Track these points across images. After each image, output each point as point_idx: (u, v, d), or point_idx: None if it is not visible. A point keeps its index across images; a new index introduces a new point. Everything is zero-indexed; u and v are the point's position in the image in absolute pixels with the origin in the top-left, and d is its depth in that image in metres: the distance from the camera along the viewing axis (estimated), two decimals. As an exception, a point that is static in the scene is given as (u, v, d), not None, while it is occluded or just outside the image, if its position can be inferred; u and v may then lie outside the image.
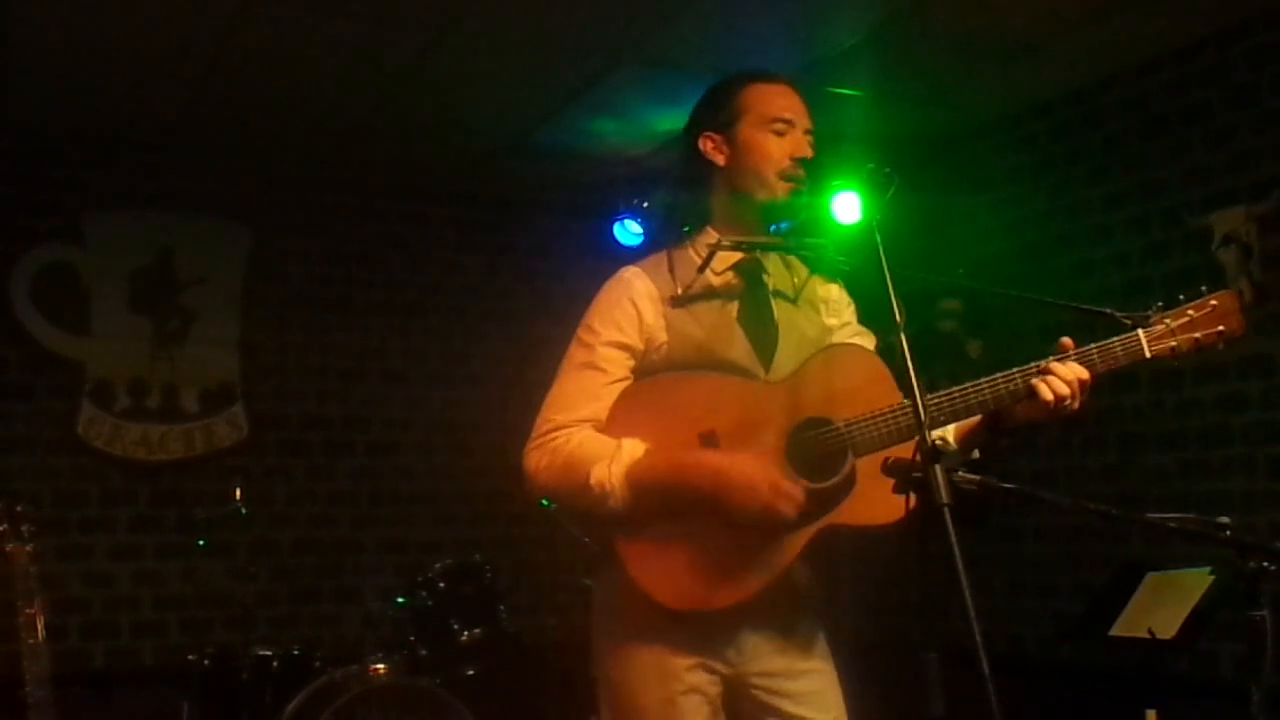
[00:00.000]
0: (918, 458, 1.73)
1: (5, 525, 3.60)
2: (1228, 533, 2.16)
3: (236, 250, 5.34)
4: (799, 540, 2.05)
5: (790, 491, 1.99)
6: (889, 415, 2.02)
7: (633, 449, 2.06)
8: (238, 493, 4.52)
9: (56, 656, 3.58)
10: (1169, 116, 4.25)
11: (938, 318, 4.82)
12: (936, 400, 2.01)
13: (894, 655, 4.73)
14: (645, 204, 5.20)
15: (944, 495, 1.67)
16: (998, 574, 4.73)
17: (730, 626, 2.11)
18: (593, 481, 2.04)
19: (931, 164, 5.08)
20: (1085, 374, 2.02)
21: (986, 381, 2.04)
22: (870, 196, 1.94)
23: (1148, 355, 2.05)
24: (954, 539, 1.62)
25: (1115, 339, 2.06)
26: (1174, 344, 2.06)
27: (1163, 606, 3.38)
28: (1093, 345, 2.05)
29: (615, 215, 5.30)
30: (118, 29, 3.88)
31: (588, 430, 2.10)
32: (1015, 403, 2.04)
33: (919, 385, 1.81)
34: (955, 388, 2.04)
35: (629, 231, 5.27)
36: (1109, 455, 4.40)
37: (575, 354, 2.19)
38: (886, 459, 1.84)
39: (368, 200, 5.63)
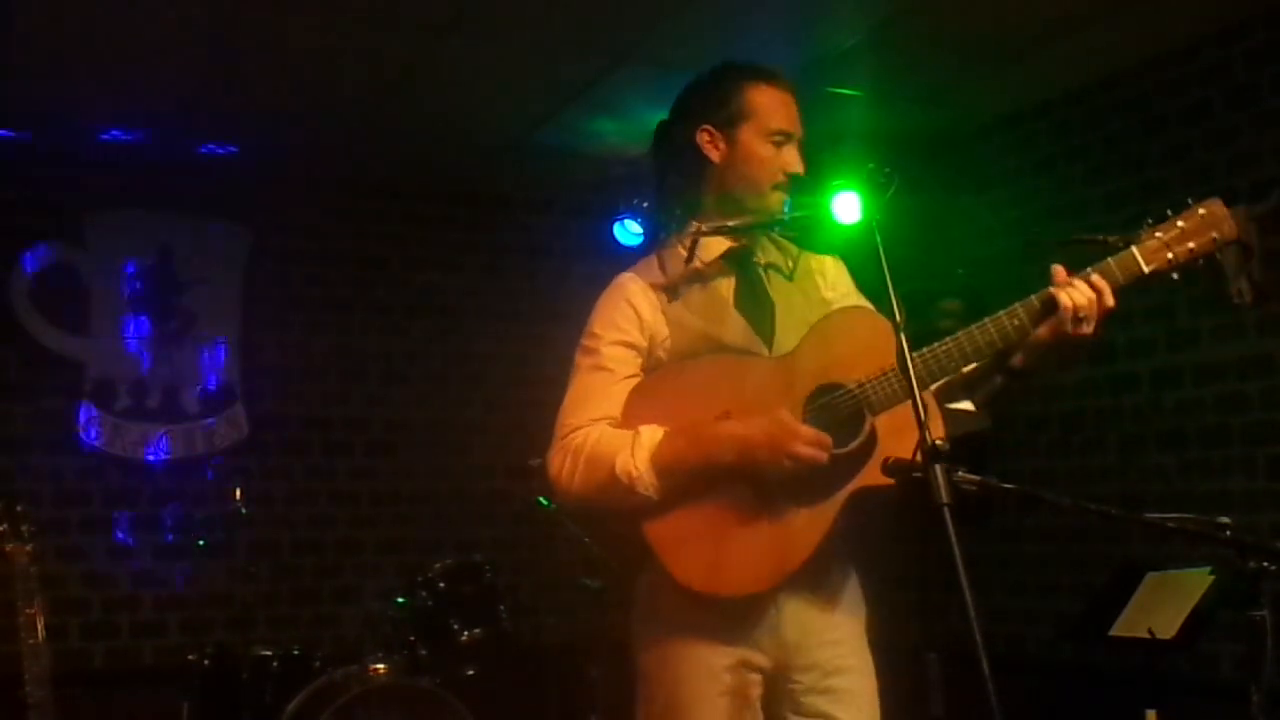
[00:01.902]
0: (918, 457, 1.73)
1: (5, 525, 3.60)
2: (1228, 533, 2.15)
3: (236, 250, 5.34)
4: (831, 509, 2.04)
5: (810, 435, 1.98)
6: (898, 370, 1.99)
7: (651, 434, 2.06)
8: (238, 493, 4.52)
9: (56, 656, 3.58)
10: (1169, 116, 4.25)
11: (938, 318, 4.81)
12: (945, 347, 2.00)
13: (894, 655, 4.73)
14: (645, 204, 5.20)
15: (944, 495, 1.67)
16: (998, 574, 4.73)
17: (772, 615, 2.10)
18: (619, 472, 2.04)
19: (931, 164, 5.08)
20: (1108, 297, 1.99)
21: (990, 319, 2.01)
22: (870, 196, 1.94)
23: (1145, 270, 2.02)
24: (954, 539, 1.62)
25: (1109, 258, 2.03)
26: (1170, 255, 2.03)
27: (1163, 606, 3.38)
28: (1089, 269, 2.03)
29: (615, 215, 5.30)
30: (118, 28, 3.87)
31: (603, 426, 2.12)
32: (1027, 333, 2.01)
33: (919, 386, 1.81)
34: (961, 331, 2.01)
35: (629, 231, 5.27)
36: (1109, 455, 4.40)
37: (581, 361, 2.21)
38: (886, 459, 1.83)
39: (367, 200, 5.63)
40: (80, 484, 4.97)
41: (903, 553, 4.72)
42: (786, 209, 2.20)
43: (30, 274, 4.96)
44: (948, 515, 1.65)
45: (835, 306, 2.28)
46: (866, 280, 2.26)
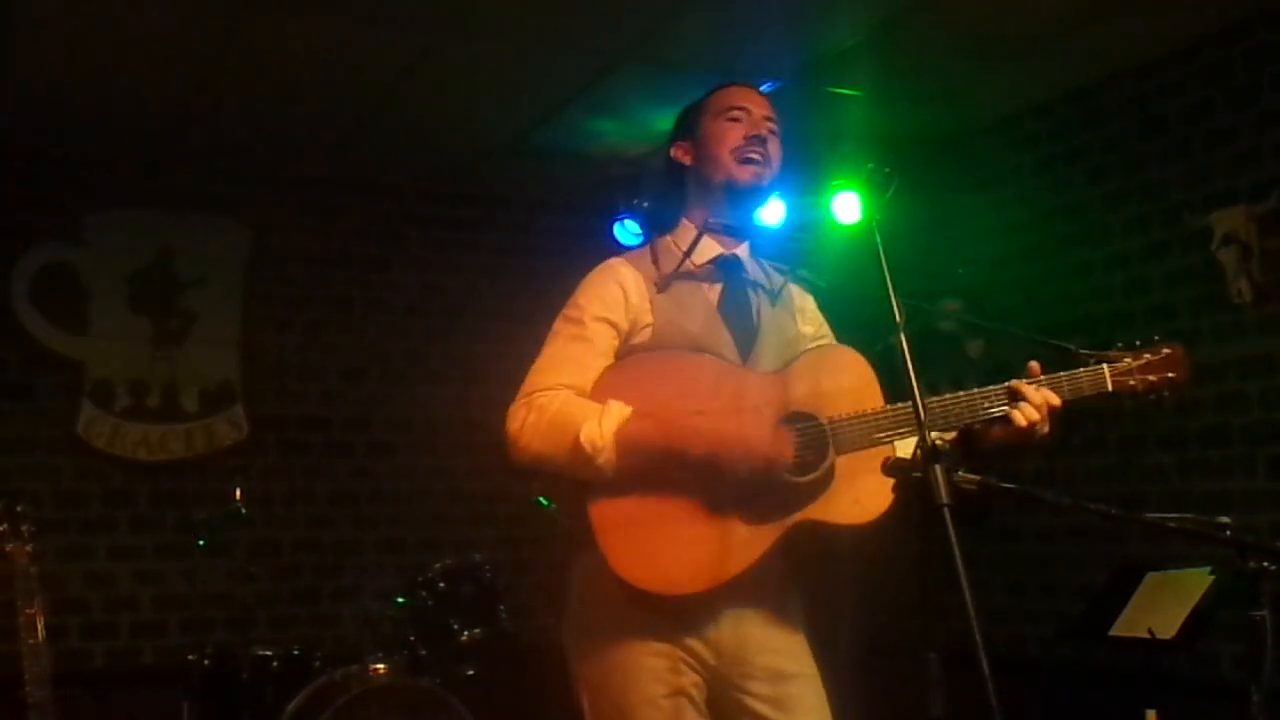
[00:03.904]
0: (918, 457, 1.73)
1: (5, 525, 3.60)
2: (1228, 533, 2.16)
3: (236, 250, 5.34)
4: (774, 532, 2.06)
5: (783, 437, 2.03)
6: (873, 417, 2.07)
7: (620, 409, 2.05)
8: (238, 493, 4.52)
9: (56, 656, 3.58)
10: (1169, 116, 4.25)
11: (938, 318, 4.82)
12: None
13: (894, 655, 4.73)
14: (645, 204, 5.20)
15: (944, 495, 1.67)
16: (998, 574, 4.73)
17: (707, 619, 2.11)
18: (582, 439, 2.01)
19: (932, 164, 5.07)
20: (1055, 400, 2.10)
21: (965, 395, 2.09)
22: (870, 196, 1.95)
23: (1110, 388, 2.18)
24: (954, 539, 1.62)
25: (1081, 370, 2.18)
26: (1133, 382, 2.19)
27: (1163, 606, 3.38)
28: (1061, 373, 2.15)
29: (615, 215, 5.30)
30: (118, 28, 3.88)
31: (571, 393, 2.11)
32: (988, 423, 2.10)
33: (919, 387, 1.81)
34: (934, 398, 2.07)
35: (629, 231, 5.27)
36: (1109, 455, 4.40)
37: (562, 328, 2.22)
38: (886, 459, 1.84)
39: (367, 200, 5.63)
40: (80, 484, 4.97)
41: (903, 553, 4.71)
42: (755, 183, 2.24)
43: (30, 274, 4.96)
44: (948, 515, 1.65)
45: (809, 342, 2.34)
46: (867, 280, 2.26)
